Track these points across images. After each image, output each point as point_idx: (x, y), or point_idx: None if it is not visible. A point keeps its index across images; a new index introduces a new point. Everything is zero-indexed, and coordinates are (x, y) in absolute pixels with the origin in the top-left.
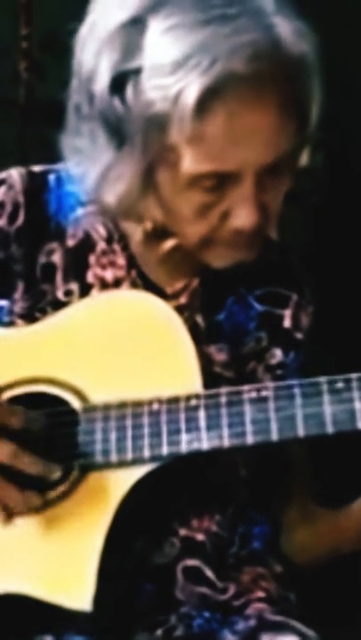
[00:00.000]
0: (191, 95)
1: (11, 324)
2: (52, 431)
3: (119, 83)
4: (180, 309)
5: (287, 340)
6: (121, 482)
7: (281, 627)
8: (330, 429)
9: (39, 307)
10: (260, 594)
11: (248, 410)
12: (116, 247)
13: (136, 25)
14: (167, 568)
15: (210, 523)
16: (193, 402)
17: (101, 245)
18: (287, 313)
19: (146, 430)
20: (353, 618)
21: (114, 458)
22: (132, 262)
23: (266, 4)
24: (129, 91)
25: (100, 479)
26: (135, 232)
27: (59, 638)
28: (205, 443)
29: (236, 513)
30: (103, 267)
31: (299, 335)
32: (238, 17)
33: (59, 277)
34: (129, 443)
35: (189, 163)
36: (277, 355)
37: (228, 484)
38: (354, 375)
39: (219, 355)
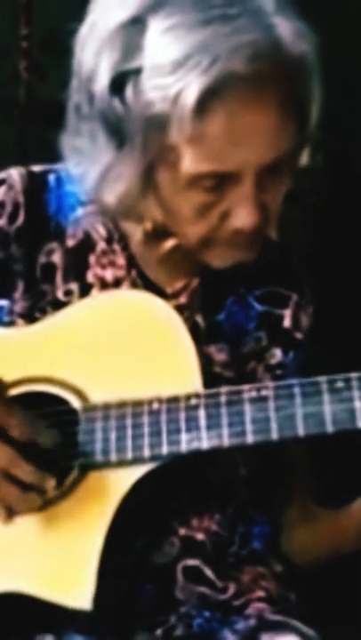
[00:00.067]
0: (191, 95)
1: (11, 323)
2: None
3: (119, 83)
4: (179, 309)
5: (287, 340)
6: (121, 481)
7: (281, 626)
8: (330, 429)
9: (39, 306)
10: (261, 593)
11: (248, 409)
12: (116, 247)
13: (136, 25)
14: (167, 568)
15: (210, 522)
16: (193, 401)
17: (101, 245)
18: (287, 313)
19: (146, 430)
20: (353, 618)
21: (114, 457)
22: (131, 262)
23: (266, 5)
24: (129, 91)
25: (100, 478)
26: (135, 232)
27: (59, 637)
28: (205, 442)
29: (237, 512)
30: (103, 266)
31: (299, 335)
32: (238, 17)
33: (59, 277)
34: (129, 442)
35: (189, 163)
36: (277, 354)
37: (228, 483)
38: (354, 374)
39: (219, 354)
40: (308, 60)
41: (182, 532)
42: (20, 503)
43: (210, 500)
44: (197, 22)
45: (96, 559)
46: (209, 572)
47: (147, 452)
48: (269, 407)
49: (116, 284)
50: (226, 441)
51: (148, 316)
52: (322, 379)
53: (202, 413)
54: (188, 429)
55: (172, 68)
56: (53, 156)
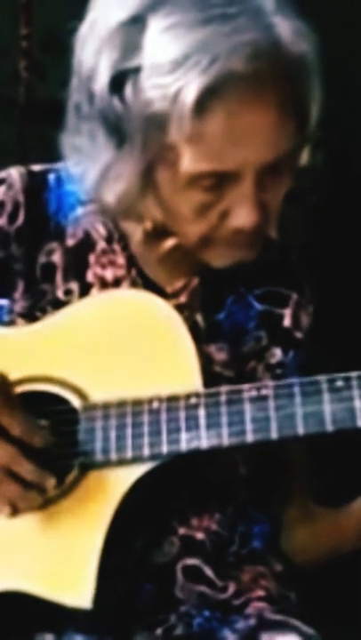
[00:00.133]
0: (190, 94)
1: (11, 323)
2: (53, 430)
3: (119, 82)
4: (179, 308)
5: (287, 340)
6: (121, 480)
7: (281, 626)
8: (330, 428)
9: (39, 306)
10: (260, 593)
11: (248, 408)
12: (116, 246)
13: (136, 24)
14: (167, 567)
15: (210, 521)
16: (193, 400)
17: (101, 245)
18: (287, 312)
19: (146, 429)
20: (353, 617)
21: (113, 456)
22: (131, 261)
23: (266, 4)
24: (128, 90)
25: (100, 478)
26: (135, 231)
27: (59, 636)
28: (205, 441)
29: (236, 512)
30: (103, 266)
31: (298, 334)
32: (238, 16)
33: (59, 277)
34: (129, 441)
35: (189, 162)
36: (277, 354)
37: (227, 482)
38: (354, 374)
39: (219, 354)
40: (307, 59)
41: (182, 531)
42: (21, 501)
43: (210, 500)
44: (197, 21)
45: (96, 558)
46: (209, 572)
47: (146, 451)
48: (269, 406)
49: (116, 283)
50: (226, 440)
51: (148, 316)
52: (322, 378)
53: (202, 412)
54: (188, 428)
55: (171, 67)
56: (53, 155)
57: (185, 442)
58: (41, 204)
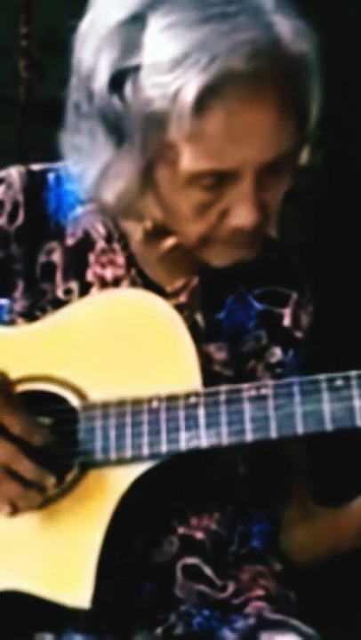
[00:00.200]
0: (190, 93)
1: (11, 322)
2: (52, 429)
3: (118, 80)
4: (179, 308)
5: (287, 339)
6: (120, 479)
7: (280, 625)
8: (329, 427)
9: (39, 305)
10: (260, 592)
11: (247, 408)
12: (116, 246)
13: (136, 22)
14: (167, 566)
15: (209, 521)
16: (192, 399)
17: (101, 244)
18: (287, 312)
19: (145, 428)
20: (353, 617)
21: (113, 455)
22: (131, 261)
23: (265, 3)
24: (128, 88)
25: (100, 477)
26: (135, 231)
27: (58, 636)
28: (204, 440)
29: (236, 511)
30: (103, 265)
31: (298, 334)
32: (237, 15)
33: (58, 276)
34: (128, 440)
35: (188, 161)
36: (277, 353)
37: (227, 481)
38: (353, 373)
39: (218, 353)
40: (307, 58)
41: (181, 530)
42: (20, 500)
43: (209, 499)
44: (196, 20)
45: (95, 557)
46: (208, 571)
47: (146, 451)
48: (269, 406)
49: (116, 282)
50: (225, 439)
51: (147, 315)
52: (321, 377)
53: (201, 412)
54: (188, 428)
55: (171, 66)
56: (53, 154)
57: (184, 441)
58: (40, 204)
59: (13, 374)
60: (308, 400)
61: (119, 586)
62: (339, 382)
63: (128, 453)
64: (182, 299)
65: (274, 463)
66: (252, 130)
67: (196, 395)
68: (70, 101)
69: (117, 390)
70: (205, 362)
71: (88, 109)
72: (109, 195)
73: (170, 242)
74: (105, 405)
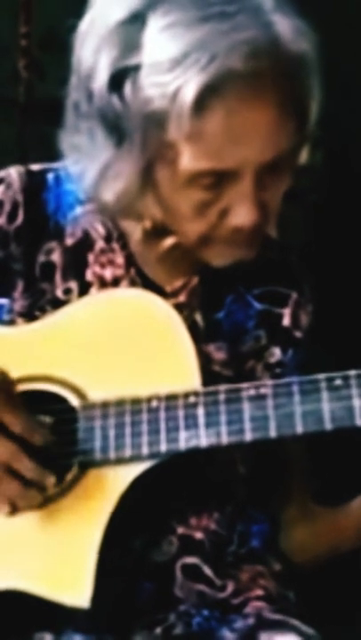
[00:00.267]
0: (189, 92)
1: (11, 322)
2: (52, 429)
3: (118, 80)
4: (179, 308)
5: (286, 339)
6: (120, 479)
7: (280, 625)
8: (328, 426)
9: (39, 305)
10: (259, 592)
11: (247, 407)
12: (115, 246)
13: (135, 22)
14: (166, 566)
15: (208, 521)
16: (192, 399)
17: (100, 244)
18: (286, 311)
19: (144, 427)
20: (353, 617)
21: (112, 455)
22: (130, 261)
23: (265, 2)
24: (127, 88)
25: (99, 476)
26: (134, 230)
27: (57, 636)
28: (204, 440)
29: (235, 511)
30: (102, 265)
31: (298, 334)
32: (237, 14)
33: (58, 276)
34: (127, 440)
35: (188, 160)
36: (276, 353)
37: (226, 481)
38: (352, 372)
39: (218, 353)
40: (307, 57)
41: (181, 530)
42: (20, 499)
43: (208, 499)
44: (196, 20)
45: (95, 557)
46: (208, 571)
47: (145, 450)
48: (268, 405)
49: (115, 282)
50: (224, 439)
51: (147, 315)
52: (320, 376)
53: (200, 411)
54: (187, 427)
55: (170, 66)
56: (53, 154)
57: (184, 440)
58: (40, 204)
59: (13, 374)
60: (307, 399)
61: (119, 585)
62: (338, 382)
63: (127, 453)
64: (182, 298)
65: (273, 463)
66: (251, 129)
67: (196, 394)
68: (70, 101)
69: (117, 390)
70: (205, 362)
71: (88, 109)
72: (109, 194)
73: (169, 241)
74: (104, 405)
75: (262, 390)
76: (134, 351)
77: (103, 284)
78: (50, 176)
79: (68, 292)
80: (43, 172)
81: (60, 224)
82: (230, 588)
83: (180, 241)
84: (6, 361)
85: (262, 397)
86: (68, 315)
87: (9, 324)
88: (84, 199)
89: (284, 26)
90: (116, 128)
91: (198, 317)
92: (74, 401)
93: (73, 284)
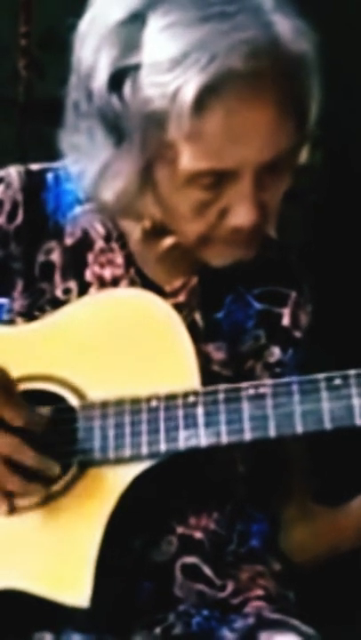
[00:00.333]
0: (189, 92)
1: (10, 321)
2: (51, 428)
3: (118, 80)
4: (178, 307)
5: (286, 339)
6: (119, 479)
7: (280, 625)
8: (328, 426)
9: (38, 305)
10: (259, 592)
11: (246, 407)
12: (115, 245)
13: (135, 22)
14: (166, 565)
15: (208, 521)
16: (191, 398)
17: (100, 244)
18: (286, 311)
19: (144, 427)
20: (353, 617)
21: (112, 455)
22: (130, 260)
23: (265, 2)
24: (127, 88)
25: (99, 476)
26: (134, 230)
27: (57, 636)
28: (203, 439)
29: (235, 510)
30: (102, 265)
31: (297, 333)
32: (237, 14)
33: (57, 276)
34: (127, 439)
35: (187, 160)
36: (276, 353)
37: (226, 481)
38: (352, 372)
39: (217, 353)
40: (307, 57)
41: (180, 530)
42: (23, 493)
43: (208, 498)
44: (196, 20)
45: (94, 557)
46: (207, 570)
47: (145, 450)
48: (267, 405)
49: (115, 282)
50: (224, 438)
51: (146, 315)
52: (320, 376)
53: (200, 411)
54: (187, 427)
55: (170, 66)
56: (53, 154)
57: (183, 440)
58: (39, 203)
59: (12, 373)
60: (307, 399)
61: (118, 585)
62: (338, 381)
63: (127, 452)
64: (181, 298)
65: (273, 462)
66: (251, 129)
67: (195, 394)
68: (69, 100)
69: (116, 389)
70: (204, 361)
71: (87, 108)
72: (108, 194)
73: (169, 241)
74: (104, 405)
75: (262, 390)
76: (134, 351)
77: (102, 283)
78: (49, 176)
79: (67, 291)
80: (42, 172)
81: (60, 224)
82: (230, 587)
83: (180, 241)
84: (6, 360)
85: (262, 397)
86: (67, 314)
87: (8, 324)
88: (83, 199)
89: (284, 26)
90: (115, 128)
91: (198, 317)
92: (73, 401)
93: (72, 284)
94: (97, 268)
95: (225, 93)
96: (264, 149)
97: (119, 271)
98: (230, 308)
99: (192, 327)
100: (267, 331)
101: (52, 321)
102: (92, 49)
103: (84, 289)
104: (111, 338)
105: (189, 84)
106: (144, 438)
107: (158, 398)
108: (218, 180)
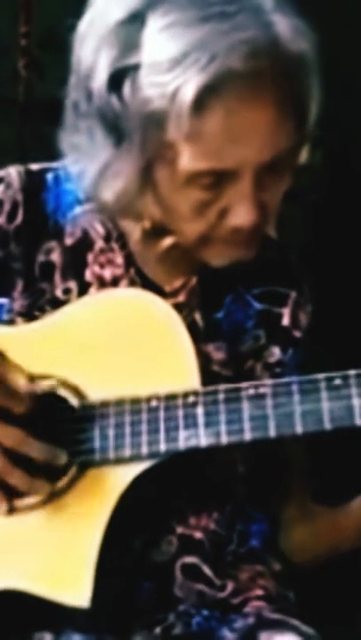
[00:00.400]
0: (189, 92)
1: (10, 321)
2: (51, 428)
3: (117, 80)
4: (178, 307)
5: (285, 339)
6: (119, 479)
7: (280, 625)
8: (328, 426)
9: (38, 305)
10: (259, 592)
11: (246, 406)
12: (115, 245)
13: (135, 22)
14: (166, 565)
15: (208, 521)
16: (191, 399)
17: (100, 244)
18: (286, 311)
19: (144, 427)
20: (353, 617)
21: (112, 455)
22: (130, 260)
23: (265, 2)
24: (127, 88)
25: (99, 476)
26: (133, 230)
27: (57, 636)
28: (203, 439)
29: (235, 510)
30: (101, 265)
31: (297, 333)
32: (237, 14)
33: (57, 276)
34: (127, 440)
35: (187, 160)
36: (276, 353)
37: (226, 481)
38: (352, 372)
39: (217, 353)
40: (306, 57)
41: (180, 530)
42: (27, 489)
43: (208, 498)
44: (195, 19)
45: (94, 557)
46: (207, 570)
47: (145, 450)
48: (267, 404)
49: (115, 282)
50: (224, 438)
51: (146, 315)
52: (320, 376)
53: (200, 411)
54: (186, 427)
55: (169, 66)
56: (53, 154)
57: (183, 440)
58: (39, 203)
59: None
60: (306, 399)
61: (118, 585)
62: (338, 381)
63: (127, 452)
64: (181, 298)
65: (273, 462)
66: (250, 129)
67: (195, 394)
68: (69, 100)
69: (116, 390)
70: (204, 361)
71: (87, 108)
72: (108, 194)
73: (168, 241)
74: (104, 405)
75: (262, 390)
76: (134, 351)
77: (102, 283)
78: (49, 176)
79: (67, 291)
80: (42, 172)
81: (60, 224)
82: (230, 587)
83: (180, 241)
84: None
85: (262, 397)
86: (67, 314)
87: (8, 324)
88: (83, 199)
89: (284, 26)
90: (115, 128)
91: (198, 317)
92: (73, 401)
93: (72, 284)
94: (97, 268)
95: (225, 93)
96: (264, 149)
97: (119, 271)
98: (230, 307)
99: (192, 327)
100: (267, 331)
101: (51, 321)
102: (92, 49)
103: (83, 289)
104: (111, 338)
105: (189, 84)
106: (144, 438)
107: (158, 398)
108: (218, 180)
